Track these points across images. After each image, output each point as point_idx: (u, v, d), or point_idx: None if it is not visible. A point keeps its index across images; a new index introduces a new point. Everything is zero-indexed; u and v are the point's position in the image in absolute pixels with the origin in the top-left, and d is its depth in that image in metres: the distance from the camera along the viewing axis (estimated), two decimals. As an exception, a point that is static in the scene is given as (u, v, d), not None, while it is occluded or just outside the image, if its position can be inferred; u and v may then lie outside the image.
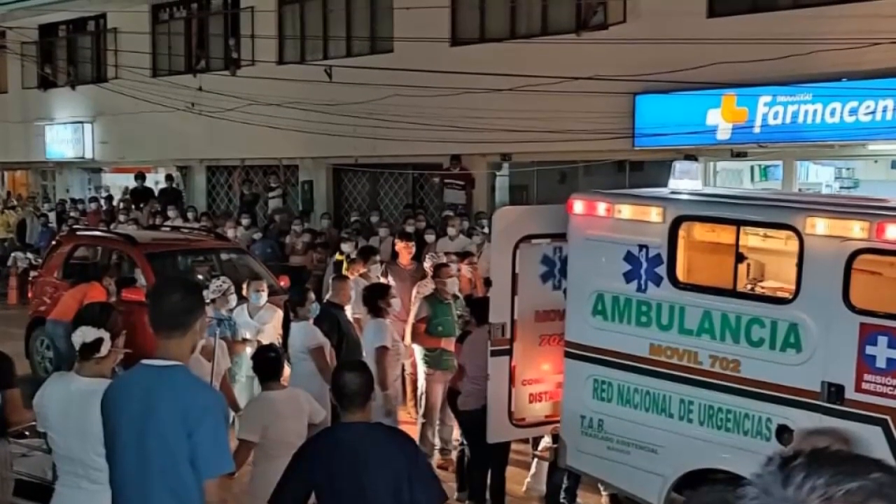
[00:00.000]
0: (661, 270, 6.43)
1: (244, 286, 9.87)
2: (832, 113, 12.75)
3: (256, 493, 5.83)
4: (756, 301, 6.21)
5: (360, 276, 10.47)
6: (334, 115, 16.62)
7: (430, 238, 13.64)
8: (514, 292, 7.20)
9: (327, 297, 9.29)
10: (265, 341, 8.66)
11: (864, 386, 5.50)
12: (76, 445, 4.49)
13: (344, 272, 10.90)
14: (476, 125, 15.19)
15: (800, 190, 13.74)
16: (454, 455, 9.00)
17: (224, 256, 12.91)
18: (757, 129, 13.41)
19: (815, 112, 12.90)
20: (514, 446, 8.14)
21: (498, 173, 17.94)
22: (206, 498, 3.79)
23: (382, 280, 10.39)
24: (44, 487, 5.60)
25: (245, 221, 16.93)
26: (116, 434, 3.94)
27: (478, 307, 8.10)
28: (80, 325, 4.63)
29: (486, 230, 13.05)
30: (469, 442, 8.01)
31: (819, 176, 15.37)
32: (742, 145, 13.98)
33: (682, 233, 6.48)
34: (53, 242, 14.50)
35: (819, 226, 5.71)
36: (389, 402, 8.36)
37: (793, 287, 5.92)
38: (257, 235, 16.26)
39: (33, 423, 5.22)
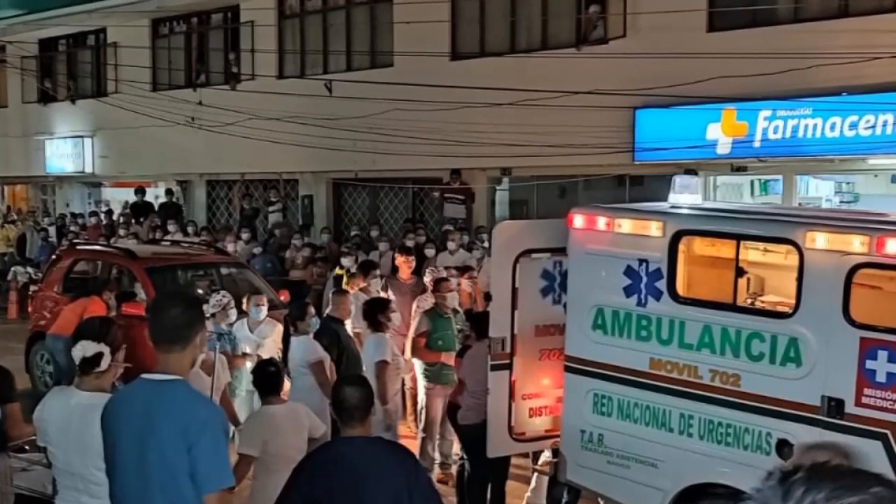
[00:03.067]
0: (661, 285, 6.43)
1: (244, 300, 9.89)
2: (832, 127, 12.76)
3: (256, 507, 5.83)
4: (756, 315, 6.21)
5: (360, 290, 10.48)
6: (334, 130, 16.65)
7: (430, 252, 13.64)
8: (514, 307, 7.19)
9: (327, 311, 9.29)
10: (265, 356, 8.65)
11: (864, 400, 5.49)
12: (76, 460, 4.48)
13: (344, 286, 10.90)
14: (476, 139, 15.20)
15: (800, 204, 13.74)
16: (454, 469, 8.97)
17: (224, 271, 12.91)
18: (757, 144, 13.42)
19: (815, 126, 12.91)
20: (514, 461, 8.13)
21: (498, 187, 17.95)
22: (206, 512, 3.78)
23: (382, 294, 10.39)
24: (44, 502, 5.59)
25: (245, 236, 16.94)
26: (116, 448, 3.93)
27: (478, 321, 8.10)
28: (80, 339, 4.63)
29: (486, 244, 13.06)
30: (469, 456, 7.98)
31: (819, 190, 15.38)
32: (742, 159, 13.98)
33: (682, 247, 6.48)
34: (53, 257, 14.51)
35: (819, 240, 5.71)
36: (389, 417, 8.35)
37: (793, 301, 5.92)
38: (257, 250, 16.25)
39: (33, 437, 5.21)
